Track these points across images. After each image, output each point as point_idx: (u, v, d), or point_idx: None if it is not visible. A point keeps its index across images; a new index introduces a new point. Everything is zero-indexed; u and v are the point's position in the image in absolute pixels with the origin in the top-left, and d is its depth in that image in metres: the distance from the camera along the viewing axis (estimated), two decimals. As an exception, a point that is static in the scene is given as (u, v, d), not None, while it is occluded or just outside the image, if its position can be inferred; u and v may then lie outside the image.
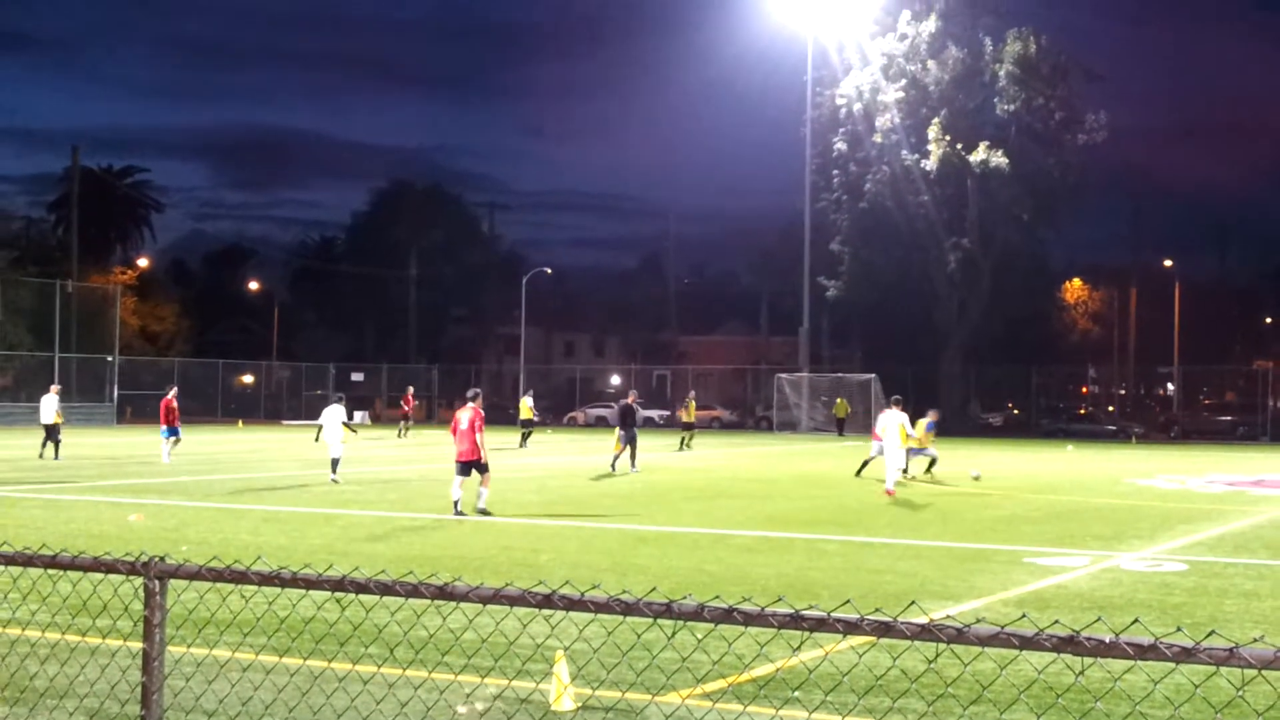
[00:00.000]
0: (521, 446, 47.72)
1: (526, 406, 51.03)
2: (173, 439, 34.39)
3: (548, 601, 4.34)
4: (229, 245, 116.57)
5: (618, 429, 35.19)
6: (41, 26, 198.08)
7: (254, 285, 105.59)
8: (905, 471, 29.69)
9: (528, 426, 50.13)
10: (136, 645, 5.17)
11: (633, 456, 34.00)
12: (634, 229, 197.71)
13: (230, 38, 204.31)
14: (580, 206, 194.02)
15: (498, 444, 49.98)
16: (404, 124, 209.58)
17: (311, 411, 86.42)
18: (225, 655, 9.02)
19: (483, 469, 21.34)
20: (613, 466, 33.52)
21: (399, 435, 56.02)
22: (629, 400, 35.87)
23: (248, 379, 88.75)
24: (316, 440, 28.99)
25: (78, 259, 78.98)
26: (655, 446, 47.59)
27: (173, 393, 36.04)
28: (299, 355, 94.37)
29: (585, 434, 68.33)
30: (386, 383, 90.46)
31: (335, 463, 27.98)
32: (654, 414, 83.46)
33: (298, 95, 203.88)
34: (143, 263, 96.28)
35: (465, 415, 21.62)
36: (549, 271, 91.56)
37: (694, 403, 50.68)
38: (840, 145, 75.13)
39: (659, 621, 4.31)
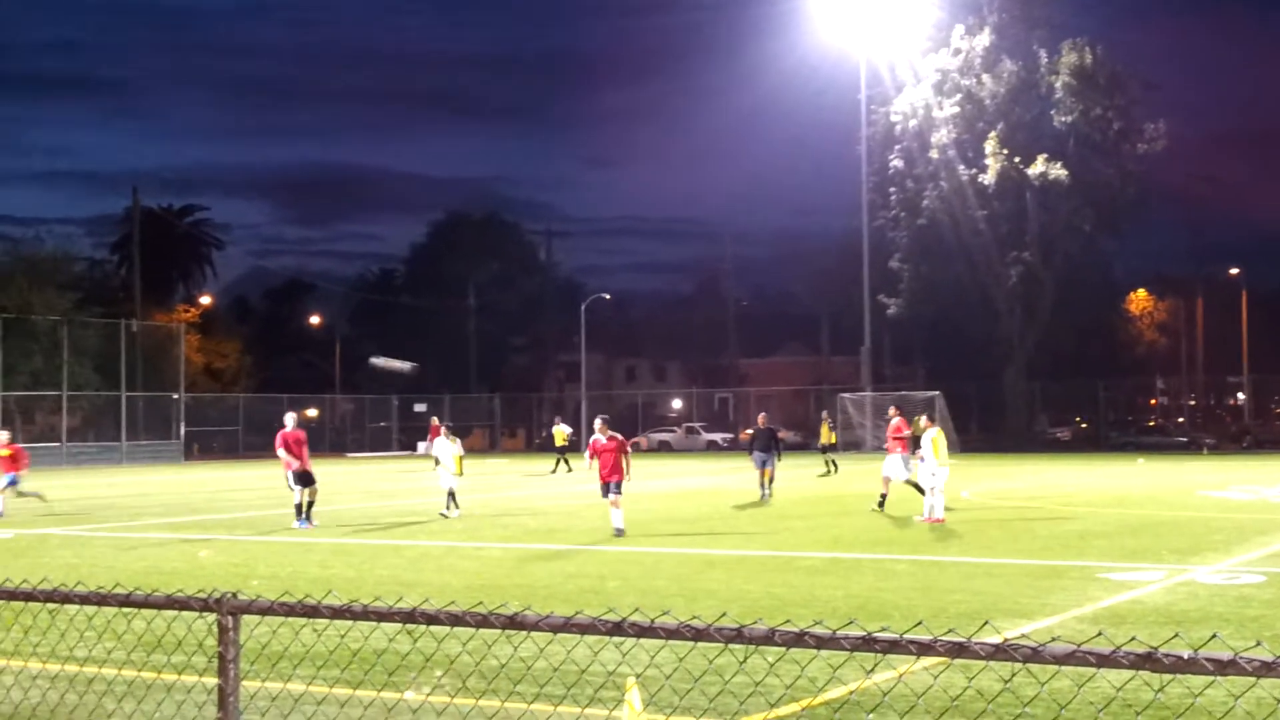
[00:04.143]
0: (553, 473, 47.96)
1: (561, 434, 51.37)
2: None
3: (618, 629, 4.32)
4: (290, 281, 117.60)
5: (754, 453, 32.25)
6: (102, 70, 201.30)
7: (315, 319, 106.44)
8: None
9: (562, 453, 50.44)
10: (211, 681, 5.20)
11: (767, 481, 31.36)
12: (692, 253, 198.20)
13: (288, 76, 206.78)
14: (638, 232, 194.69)
15: (543, 470, 50.16)
16: (463, 156, 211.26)
17: (376, 443, 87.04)
18: (299, 689, 9.04)
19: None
20: (763, 495, 31.08)
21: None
22: (761, 422, 33.19)
23: (312, 413, 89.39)
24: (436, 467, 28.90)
25: (141, 298, 79.90)
26: (717, 469, 47.53)
27: (291, 421, 27.10)
28: (362, 388, 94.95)
29: (648, 459, 68.29)
30: (449, 413, 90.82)
31: (450, 495, 27.10)
32: (717, 437, 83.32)
33: (356, 131, 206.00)
34: (205, 300, 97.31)
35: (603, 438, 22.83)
36: (608, 297, 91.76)
37: (827, 424, 49.23)
38: (896, 162, 74.92)
39: (730, 646, 4.28)
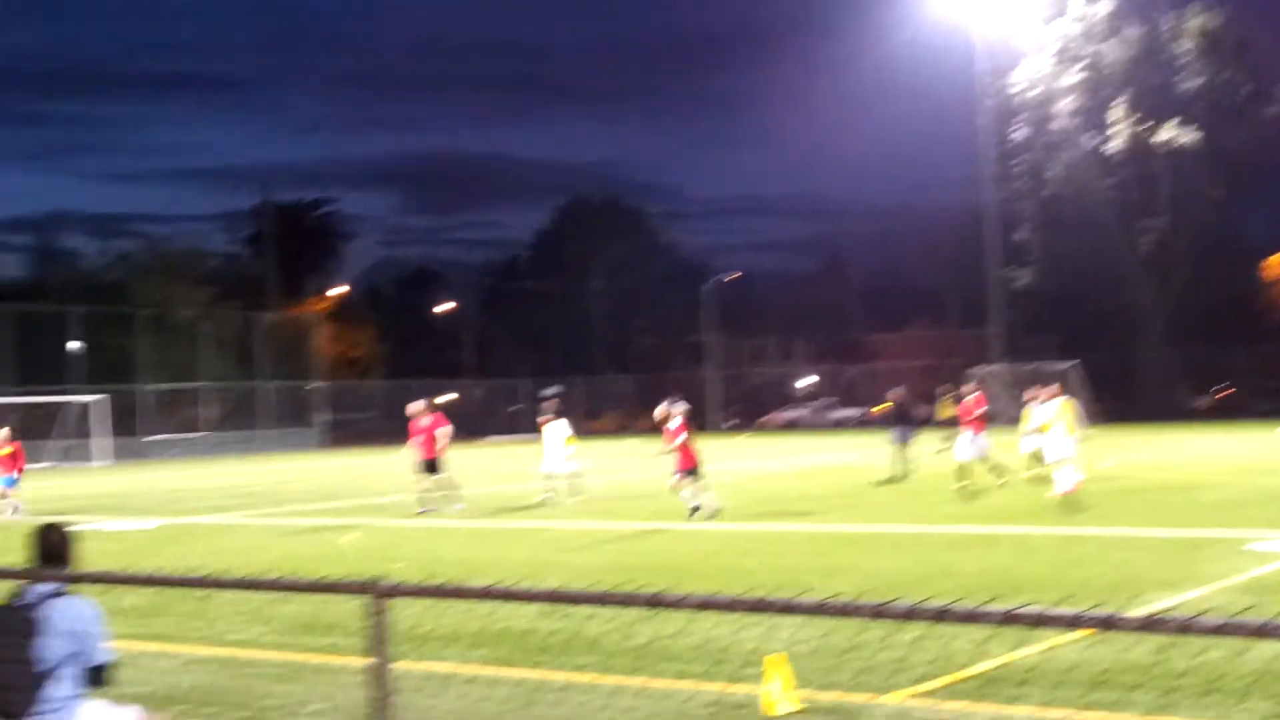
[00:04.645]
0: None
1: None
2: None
3: (760, 606, 4.35)
4: (418, 269, 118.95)
5: (890, 429, 31.36)
6: (230, 70, 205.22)
7: (444, 307, 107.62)
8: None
9: None
10: (361, 662, 5.34)
11: (905, 458, 30.24)
12: (814, 229, 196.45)
13: (409, 68, 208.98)
14: (758, 211, 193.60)
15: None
16: (582, 140, 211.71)
17: (507, 427, 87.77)
18: (448, 669, 9.23)
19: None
20: (900, 472, 29.95)
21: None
22: (897, 398, 32.20)
23: (443, 399, 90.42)
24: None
25: (275, 291, 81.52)
26: (848, 446, 47.29)
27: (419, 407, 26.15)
28: (491, 373, 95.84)
29: (778, 437, 68.15)
30: (579, 397, 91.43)
31: (567, 477, 26.68)
32: (846, 414, 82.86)
33: (478, 119, 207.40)
34: (336, 291, 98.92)
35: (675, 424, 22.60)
36: (731, 277, 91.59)
37: (948, 399, 48.02)
38: (1018, 133, 73.71)
39: (872, 622, 4.30)
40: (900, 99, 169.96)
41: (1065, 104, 71.26)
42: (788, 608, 4.33)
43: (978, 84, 72.37)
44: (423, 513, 24.32)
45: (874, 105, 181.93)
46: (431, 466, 24.95)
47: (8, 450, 28.92)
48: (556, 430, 27.25)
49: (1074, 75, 70.99)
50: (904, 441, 30.55)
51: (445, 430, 25.33)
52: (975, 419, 26.94)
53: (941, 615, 4.10)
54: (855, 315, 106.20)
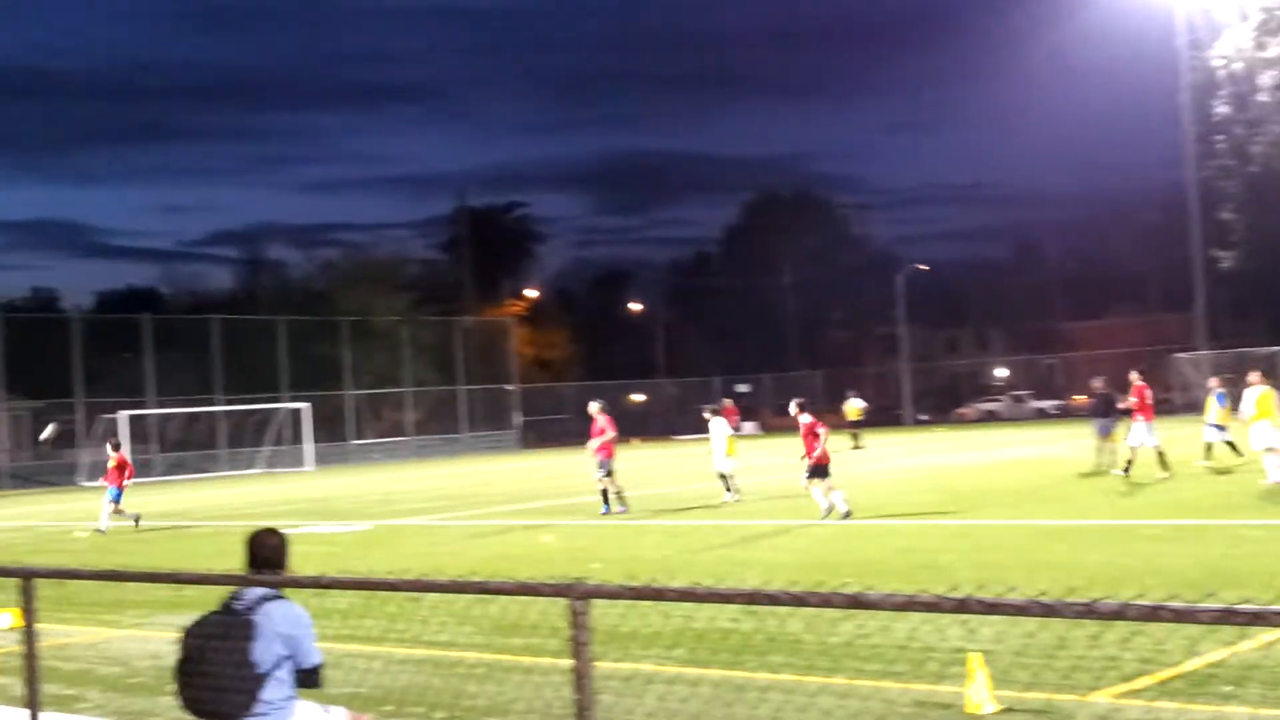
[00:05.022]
0: (858, 448, 47.65)
1: (853, 409, 50.88)
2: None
3: (963, 606, 4.28)
4: (609, 269, 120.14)
5: (1094, 420, 30.11)
6: (422, 77, 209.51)
7: (636, 306, 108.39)
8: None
9: (856, 427, 49.99)
10: (563, 662, 5.41)
11: (1110, 450, 28.96)
12: (1007, 217, 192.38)
13: (594, 68, 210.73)
14: (949, 199, 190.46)
15: (878, 446, 49.85)
16: (768, 134, 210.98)
17: (701, 426, 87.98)
18: (650, 669, 9.30)
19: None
20: (1106, 464, 28.60)
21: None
22: (1098, 388, 30.72)
23: (638, 398, 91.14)
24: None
25: (471, 295, 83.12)
26: (1049, 438, 46.34)
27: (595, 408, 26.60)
28: (684, 371, 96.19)
29: (973, 430, 67.06)
30: (770, 392, 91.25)
31: (723, 477, 26.61)
32: (1045, 404, 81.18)
33: (663, 117, 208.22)
34: (532, 294, 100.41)
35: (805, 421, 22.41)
36: (923, 268, 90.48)
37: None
38: (1222, 109, 71.23)
39: (1080, 620, 4.19)
40: (1093, 77, 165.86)
41: (1268, 78, 68.67)
42: (992, 607, 4.25)
43: (1180, 58, 70.19)
44: (610, 513, 24.51)
45: (1066, 84, 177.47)
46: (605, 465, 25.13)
47: (113, 462, 29.12)
48: (717, 429, 27.26)
49: (1278, 48, 68.36)
50: (1107, 433, 29.78)
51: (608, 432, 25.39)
52: (1141, 407, 26.64)
53: (1153, 614, 3.98)
54: (1052, 303, 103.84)
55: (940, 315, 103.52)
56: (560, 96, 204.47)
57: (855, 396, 52.59)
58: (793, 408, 23.60)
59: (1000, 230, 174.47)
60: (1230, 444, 27.78)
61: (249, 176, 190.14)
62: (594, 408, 26.18)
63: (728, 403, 57.37)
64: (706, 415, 27.99)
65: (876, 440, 54.60)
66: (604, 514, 24.43)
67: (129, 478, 29.53)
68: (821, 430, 22.30)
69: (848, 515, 21.21)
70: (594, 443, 25.45)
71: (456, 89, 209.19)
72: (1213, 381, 29.80)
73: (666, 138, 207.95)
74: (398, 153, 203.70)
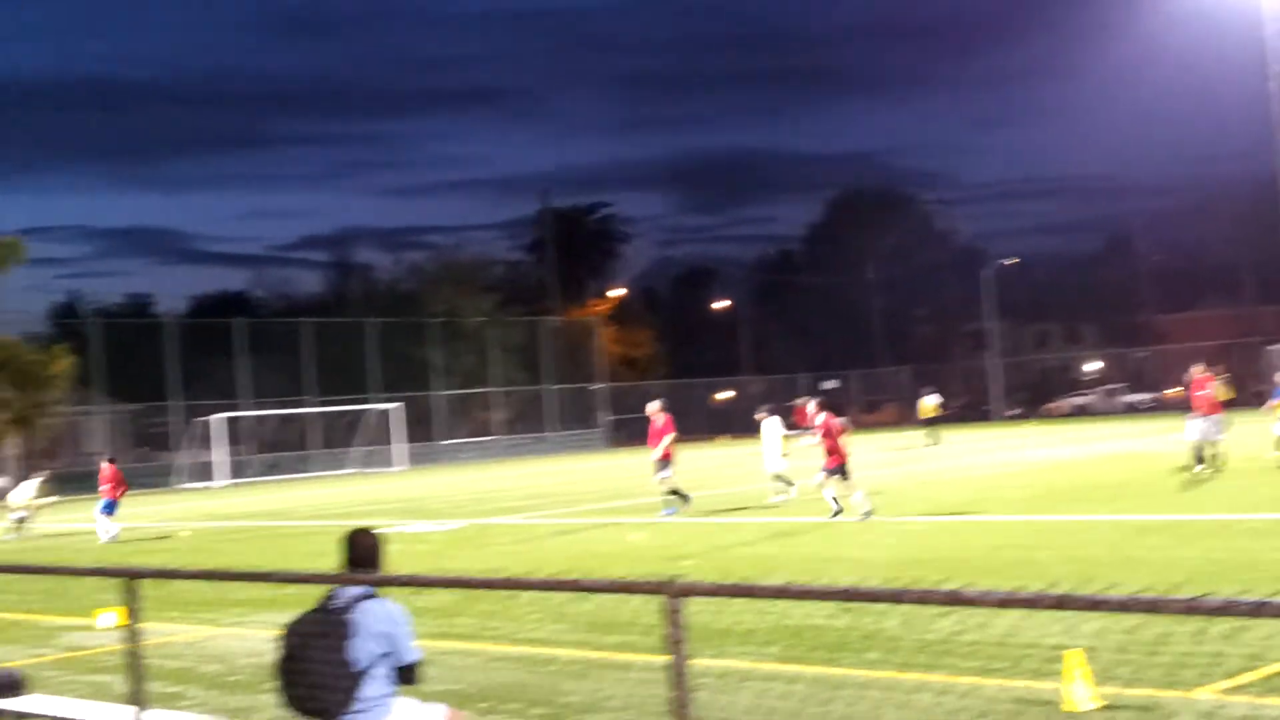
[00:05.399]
0: (932, 444, 47.29)
1: (928, 406, 50.43)
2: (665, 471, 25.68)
3: (1063, 603, 4.23)
4: (694, 268, 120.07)
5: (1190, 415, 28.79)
6: (511, 81, 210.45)
7: (721, 304, 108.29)
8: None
9: (932, 424, 49.59)
10: (657, 659, 5.41)
11: (1206, 444, 27.61)
12: (1096, 210, 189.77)
13: (677, 66, 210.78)
14: (1036, 193, 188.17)
15: (967, 441, 49.42)
16: (851, 131, 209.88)
17: (787, 422, 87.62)
18: (746, 666, 9.28)
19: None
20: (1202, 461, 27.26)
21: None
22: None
23: (723, 395, 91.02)
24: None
25: (557, 295, 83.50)
26: (1141, 432, 45.71)
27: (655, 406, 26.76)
28: (769, 368, 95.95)
29: (1064, 425, 66.29)
30: (857, 388, 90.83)
31: (778, 479, 26.41)
32: (1137, 398, 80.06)
33: (746, 114, 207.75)
34: (616, 293, 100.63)
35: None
36: (1010, 262, 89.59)
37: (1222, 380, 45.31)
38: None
39: (1181, 616, 4.13)
40: (1181, 67, 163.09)
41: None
42: (1093, 604, 4.19)
43: (1268, 46, 68.90)
44: (673, 514, 24.43)
45: (1153, 75, 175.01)
46: (664, 465, 25.02)
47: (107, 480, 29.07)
48: (771, 428, 27.06)
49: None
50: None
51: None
52: (1204, 399, 26.53)
53: (1258, 610, 3.92)
54: (1142, 296, 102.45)
55: (1029, 309, 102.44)
56: (643, 95, 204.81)
57: (930, 393, 52.20)
58: (811, 406, 23.74)
59: (1090, 223, 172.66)
60: None
61: (336, 181, 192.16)
62: (653, 408, 26.09)
63: (800, 403, 57.13)
64: (759, 417, 27.82)
65: (965, 436, 54.21)
66: (667, 515, 24.19)
67: (123, 492, 29.52)
68: (837, 427, 22.33)
69: (869, 514, 21.06)
70: (659, 447, 25.26)
71: (539, 91, 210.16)
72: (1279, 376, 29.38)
73: (750, 135, 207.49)
74: (481, 155, 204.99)
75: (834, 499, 21.79)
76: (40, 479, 31.24)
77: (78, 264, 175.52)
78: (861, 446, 52.75)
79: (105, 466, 29.28)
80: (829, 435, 22.11)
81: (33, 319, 76.35)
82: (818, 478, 22.58)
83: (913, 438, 51.84)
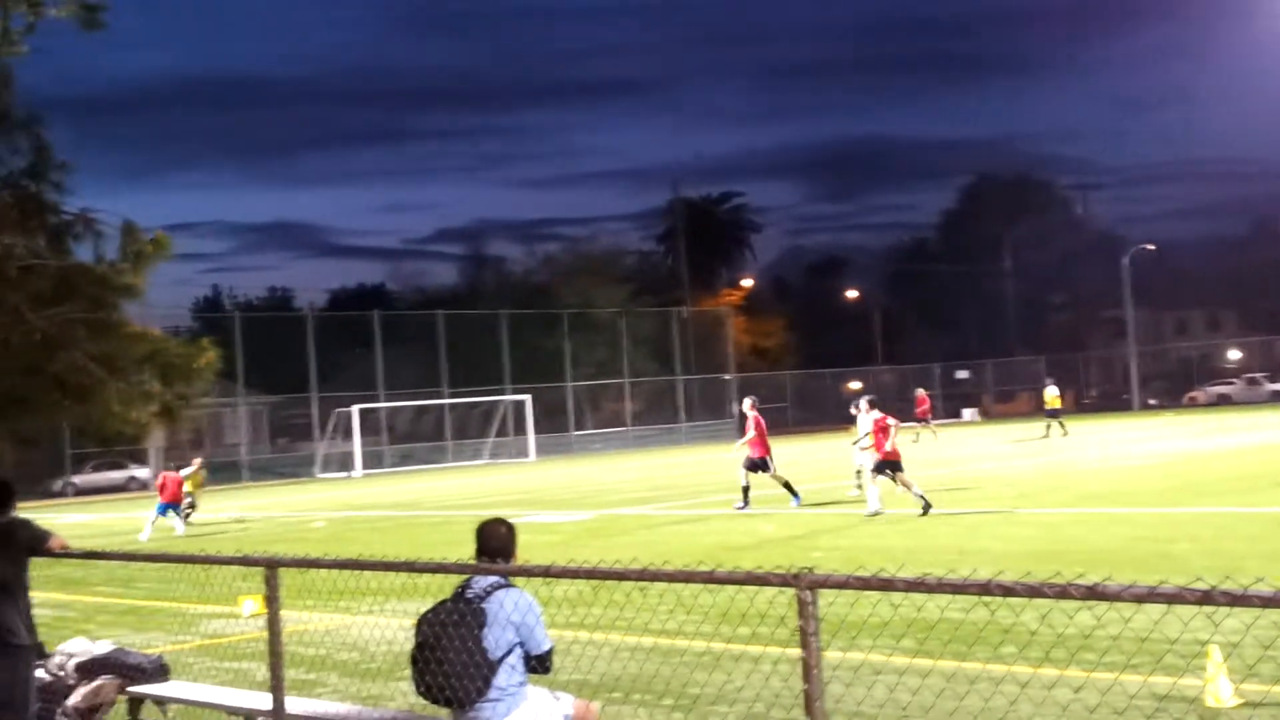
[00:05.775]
0: (1045, 437, 46.46)
1: (1052, 396, 49.48)
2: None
3: (1207, 598, 4.13)
4: (826, 257, 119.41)
5: None
6: (642, 72, 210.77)
7: (853, 293, 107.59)
8: None
9: (1054, 415, 48.67)
10: (790, 652, 5.38)
11: None
12: (1242, 192, 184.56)
13: (806, 55, 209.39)
14: (1178, 176, 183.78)
15: (1106, 431, 48.52)
16: (985, 115, 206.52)
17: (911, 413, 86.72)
18: (879, 659, 9.20)
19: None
20: None
21: (914, 440, 49.36)
22: None
23: (855, 385, 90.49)
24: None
25: (688, 285, 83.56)
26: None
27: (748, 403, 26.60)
28: (902, 358, 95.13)
29: (1206, 414, 64.76)
30: (992, 378, 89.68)
31: (859, 472, 25.36)
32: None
33: (879, 102, 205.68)
34: (747, 283, 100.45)
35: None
36: (1151, 248, 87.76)
37: None
38: None
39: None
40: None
41: None
42: (1239, 599, 4.09)
43: None
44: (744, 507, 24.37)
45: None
46: (758, 465, 24.81)
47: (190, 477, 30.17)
48: (862, 425, 26.57)
49: None
50: None
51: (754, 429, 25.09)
52: None
53: None
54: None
55: (1169, 296, 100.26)
56: (772, 84, 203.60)
57: (1053, 384, 51.35)
58: (862, 404, 23.97)
59: (1234, 207, 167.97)
60: None
61: (469, 174, 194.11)
62: (745, 404, 26.01)
63: (920, 393, 56.66)
64: (854, 410, 27.31)
65: (1103, 426, 53.29)
66: (795, 507, 24.11)
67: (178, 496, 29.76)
68: (892, 424, 22.43)
69: (927, 509, 20.82)
70: (741, 441, 25.26)
71: (669, 82, 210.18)
72: None
73: (882, 122, 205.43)
74: (613, 146, 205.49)
75: (875, 496, 21.79)
76: (195, 466, 31.85)
77: (221, 259, 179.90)
78: (989, 438, 52.05)
79: (167, 475, 29.67)
80: (881, 432, 22.20)
81: (179, 313, 78.36)
82: (868, 473, 22.52)
83: (1037, 429, 51.05)
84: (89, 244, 10.45)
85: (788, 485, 24.78)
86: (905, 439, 41.23)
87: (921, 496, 21.06)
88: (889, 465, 21.94)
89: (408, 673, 6.74)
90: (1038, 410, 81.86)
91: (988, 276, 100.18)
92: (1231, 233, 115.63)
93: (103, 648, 9.56)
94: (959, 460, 36.68)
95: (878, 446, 22.14)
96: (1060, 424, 48.44)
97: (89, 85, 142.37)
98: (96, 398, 10.26)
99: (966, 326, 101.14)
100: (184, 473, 30.53)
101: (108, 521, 34.93)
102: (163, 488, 29.23)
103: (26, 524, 8.80)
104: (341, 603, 14.07)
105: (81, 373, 10.09)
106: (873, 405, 23.60)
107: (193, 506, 30.91)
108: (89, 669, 9.20)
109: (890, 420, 22.59)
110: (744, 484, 24.77)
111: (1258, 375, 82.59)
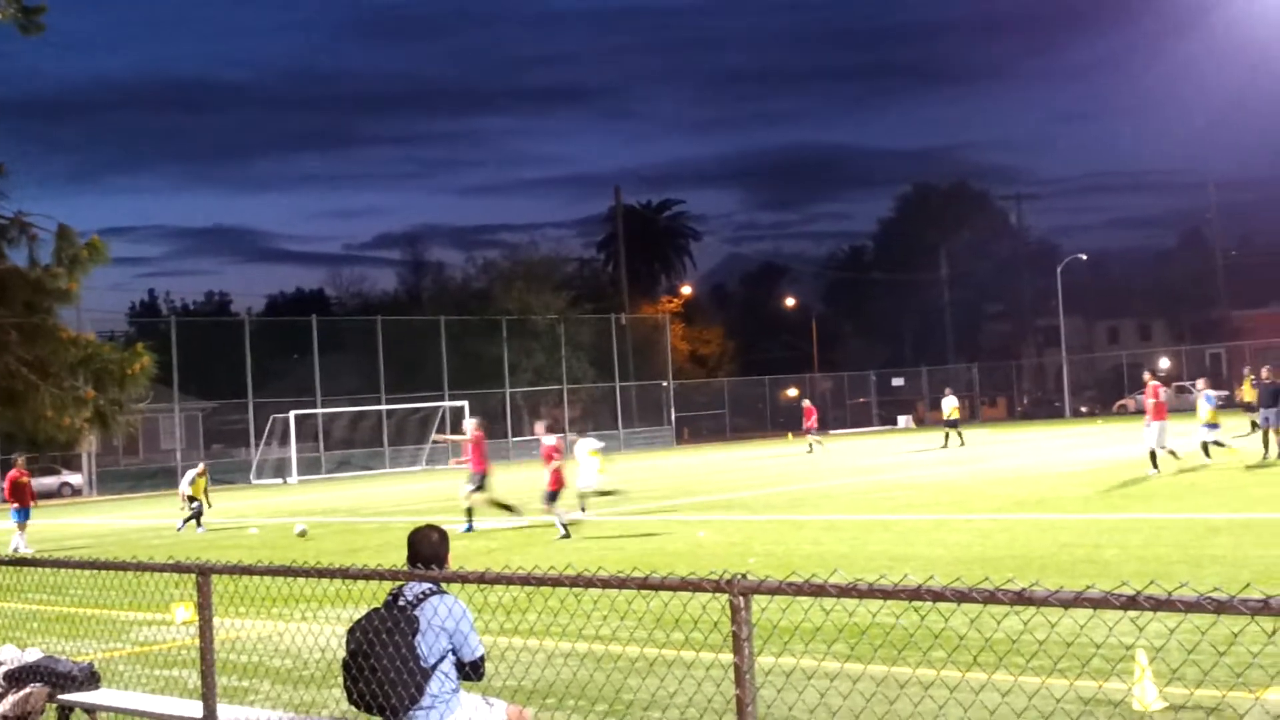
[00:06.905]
0: (944, 447, 47.02)
1: (951, 407, 50.09)
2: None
3: (1133, 603, 4.22)
4: (764, 265, 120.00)
5: (1260, 410, 30.73)
6: (588, 79, 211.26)
7: (790, 301, 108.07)
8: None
9: (953, 425, 49.54)
10: (723, 657, 5.43)
11: (1276, 440, 29.79)
12: (1171, 204, 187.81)
13: (749, 65, 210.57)
14: (1111, 187, 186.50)
15: (1037, 439, 49.01)
16: (924, 126, 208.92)
17: (856, 419, 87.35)
18: (811, 664, 9.28)
19: None
20: (1266, 454, 29.56)
21: (809, 451, 51.61)
22: (1266, 377, 30.84)
23: (792, 392, 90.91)
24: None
25: (628, 292, 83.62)
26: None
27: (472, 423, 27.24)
28: (840, 365, 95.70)
29: (1135, 421, 65.43)
30: (927, 386, 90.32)
31: (582, 496, 25.88)
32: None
33: (821, 111, 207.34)
34: (687, 290, 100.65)
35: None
36: (1084, 258, 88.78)
37: (1250, 380, 46.70)
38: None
39: (1256, 617, 4.10)
40: (1260, 60, 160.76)
41: None
42: (1163, 604, 4.17)
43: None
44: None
45: (1230, 72, 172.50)
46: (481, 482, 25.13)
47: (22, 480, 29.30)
48: (581, 450, 26.52)
49: None
50: (1271, 424, 29.34)
51: None
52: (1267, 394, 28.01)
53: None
54: (1217, 291, 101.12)
55: (1101, 305, 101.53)
56: (715, 94, 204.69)
57: (951, 394, 51.99)
58: (538, 428, 24.99)
59: (1164, 218, 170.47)
60: None
61: (413, 180, 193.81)
62: (471, 425, 26.14)
63: (807, 404, 57.06)
64: (573, 437, 27.31)
65: (1034, 434, 53.78)
66: (463, 531, 24.40)
67: (33, 499, 29.40)
68: (557, 456, 23.37)
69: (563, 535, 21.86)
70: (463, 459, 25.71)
71: (612, 90, 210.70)
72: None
73: (824, 131, 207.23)
74: (557, 153, 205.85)
75: (560, 518, 22.60)
76: (198, 470, 31.48)
77: (160, 263, 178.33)
78: (936, 441, 52.48)
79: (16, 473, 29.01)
80: (550, 459, 23.18)
81: (115, 318, 77.58)
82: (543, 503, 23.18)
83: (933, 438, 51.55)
84: (23, 248, 10.37)
85: (501, 505, 25.18)
86: (799, 449, 41.53)
87: (564, 525, 22.19)
88: (554, 494, 22.91)
89: (341, 680, 6.72)
90: (971, 417, 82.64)
91: (924, 285, 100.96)
92: (1161, 244, 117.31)
93: (32, 655, 9.47)
94: (901, 466, 36.91)
95: (552, 477, 22.92)
96: (959, 434, 49.11)
97: (28, 88, 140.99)
98: (28, 403, 10.18)
99: (903, 335, 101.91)
100: (190, 475, 30.31)
101: (40, 527, 34.47)
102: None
103: None
104: (275, 609, 14.00)
105: (13, 377, 10.01)
106: (549, 430, 24.63)
107: (200, 511, 30.47)
108: (17, 677, 9.11)
109: (556, 453, 23.45)
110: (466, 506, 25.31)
111: (1186, 384, 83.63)
